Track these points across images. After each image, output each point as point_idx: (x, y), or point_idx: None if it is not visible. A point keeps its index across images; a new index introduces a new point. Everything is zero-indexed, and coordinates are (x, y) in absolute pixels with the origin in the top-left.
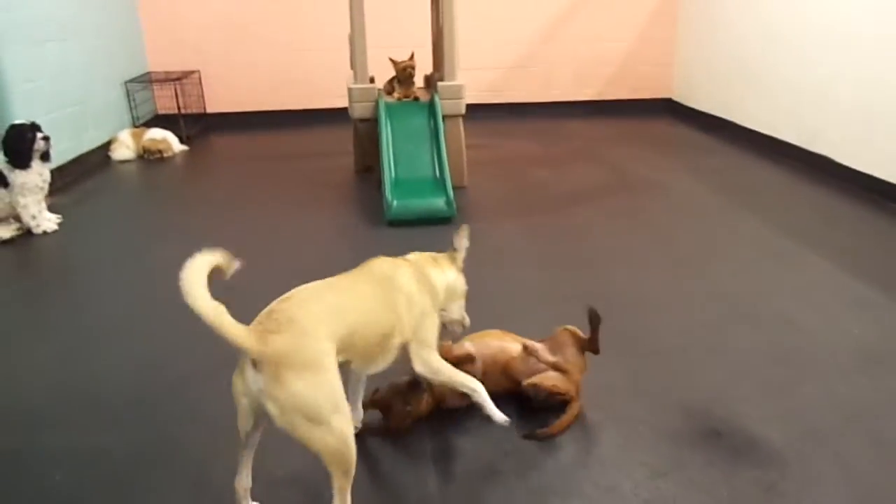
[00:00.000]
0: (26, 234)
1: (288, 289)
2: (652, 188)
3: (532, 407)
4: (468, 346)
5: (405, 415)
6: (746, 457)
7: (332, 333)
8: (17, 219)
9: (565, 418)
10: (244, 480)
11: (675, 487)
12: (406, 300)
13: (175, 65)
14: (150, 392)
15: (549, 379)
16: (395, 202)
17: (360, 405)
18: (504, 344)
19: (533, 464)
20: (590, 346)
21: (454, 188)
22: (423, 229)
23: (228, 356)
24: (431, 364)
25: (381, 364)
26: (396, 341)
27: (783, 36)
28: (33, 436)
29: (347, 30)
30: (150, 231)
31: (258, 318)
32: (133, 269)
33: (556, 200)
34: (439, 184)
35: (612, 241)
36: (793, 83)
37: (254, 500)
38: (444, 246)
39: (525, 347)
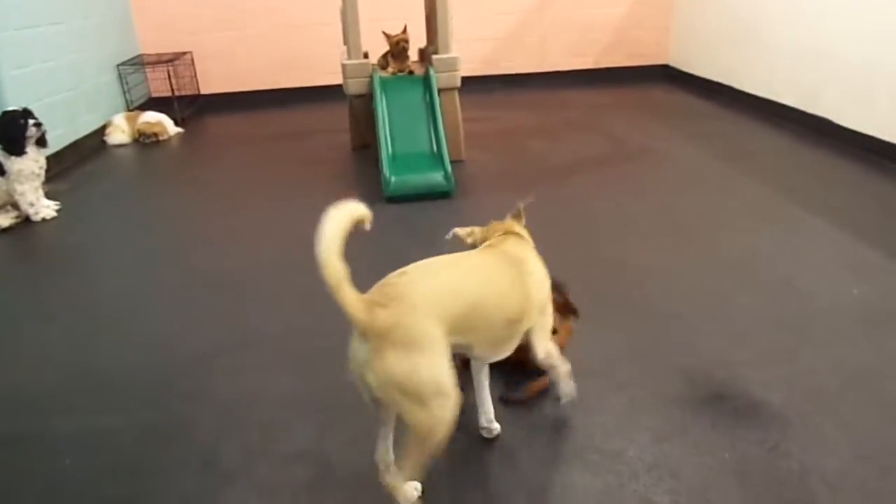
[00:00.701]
0: (25, 221)
1: (288, 268)
2: (650, 155)
3: (523, 371)
4: None
5: None
6: (749, 419)
7: (444, 313)
8: (16, 206)
9: (539, 383)
10: (383, 455)
11: (678, 451)
12: (536, 283)
13: (167, 46)
14: (157, 373)
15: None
16: (393, 178)
17: (489, 403)
18: None
19: (537, 432)
20: (566, 309)
21: (452, 162)
22: (422, 204)
23: (234, 336)
24: (552, 352)
25: (507, 351)
26: (524, 327)
27: None
28: (41, 420)
29: (339, 4)
30: (150, 214)
31: (372, 289)
32: (135, 251)
33: (555, 171)
34: (437, 158)
35: (612, 209)
36: (791, 46)
37: (259, 477)
38: (444, 221)
39: None
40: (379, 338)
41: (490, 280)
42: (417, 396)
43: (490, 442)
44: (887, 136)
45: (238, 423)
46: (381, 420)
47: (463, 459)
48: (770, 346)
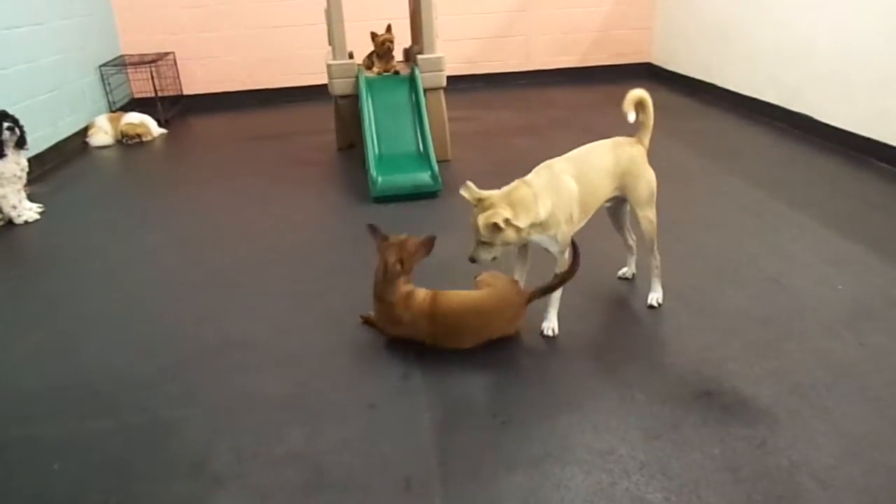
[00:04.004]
0: (7, 224)
1: (275, 268)
2: None
3: None
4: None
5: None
6: (737, 415)
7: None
8: None
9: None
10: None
11: (669, 448)
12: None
13: (149, 47)
14: (144, 377)
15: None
16: (380, 178)
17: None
18: None
19: (529, 432)
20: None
21: (438, 162)
22: (410, 204)
23: (222, 338)
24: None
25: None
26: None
27: None
28: (28, 427)
29: (323, 4)
30: (133, 216)
31: None
32: (119, 254)
33: None
34: (423, 158)
35: None
36: (771, 44)
37: (250, 480)
38: (432, 220)
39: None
40: None
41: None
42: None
43: (484, 443)
44: (866, 131)
45: (228, 425)
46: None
47: (455, 461)
48: (757, 342)
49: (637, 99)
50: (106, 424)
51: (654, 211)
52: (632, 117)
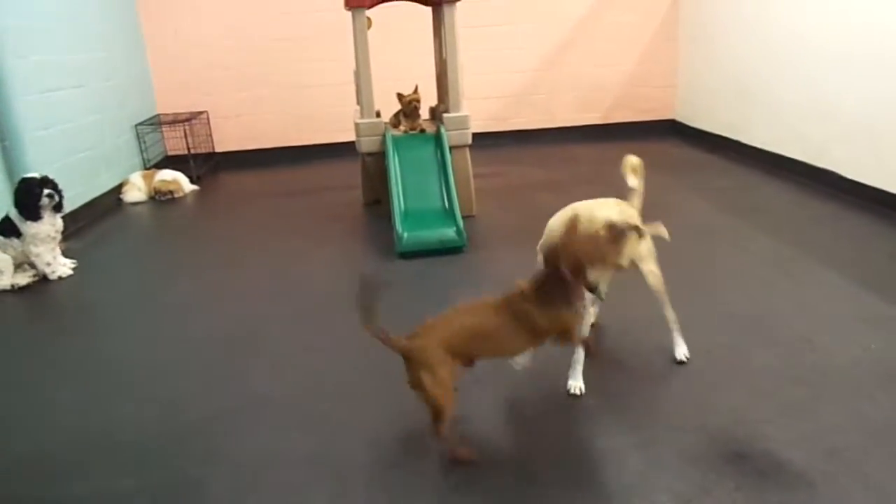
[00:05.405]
0: (42, 279)
1: (302, 325)
2: (659, 209)
3: None
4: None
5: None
6: (772, 479)
7: None
8: (33, 265)
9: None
10: None
11: None
12: None
13: (183, 106)
14: (171, 434)
15: None
16: (405, 234)
17: None
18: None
19: (553, 496)
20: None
21: (463, 217)
22: (435, 259)
23: (247, 396)
24: None
25: None
26: None
27: (783, 55)
28: (55, 483)
29: (352, 65)
30: (165, 271)
31: None
32: (149, 309)
33: None
34: (449, 214)
35: None
36: (795, 101)
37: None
38: (457, 275)
39: None
40: None
41: None
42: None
43: (503, 502)
44: (893, 187)
45: (252, 484)
46: None
47: None
48: (789, 403)
49: (632, 165)
50: (131, 483)
51: (656, 265)
52: (631, 182)
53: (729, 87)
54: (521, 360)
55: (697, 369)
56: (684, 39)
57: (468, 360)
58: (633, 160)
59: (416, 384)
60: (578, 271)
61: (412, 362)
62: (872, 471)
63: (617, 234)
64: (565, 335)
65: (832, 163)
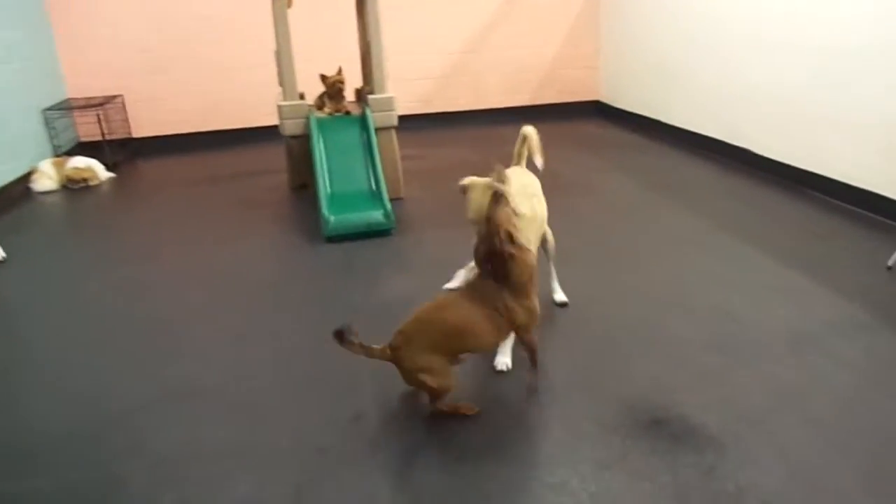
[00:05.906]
0: None
1: (225, 313)
2: (583, 188)
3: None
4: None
5: None
6: (686, 443)
7: None
8: None
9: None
10: None
11: (620, 478)
12: None
13: (97, 90)
14: (87, 430)
15: None
16: (332, 218)
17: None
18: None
19: (483, 469)
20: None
21: (391, 200)
22: (363, 243)
23: (168, 387)
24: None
25: None
26: None
27: (699, 38)
28: None
29: (273, 46)
30: (80, 263)
31: None
32: (63, 303)
33: None
34: (376, 196)
35: None
36: (711, 82)
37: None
38: (386, 258)
39: None
40: None
41: None
42: None
43: (438, 478)
44: (802, 164)
45: (174, 477)
46: None
47: (409, 500)
48: (704, 371)
49: (524, 134)
50: (46, 483)
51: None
52: (518, 149)
53: (650, 68)
54: (504, 360)
55: (615, 341)
56: (606, 22)
57: (454, 357)
58: (525, 129)
59: (416, 384)
60: (510, 238)
61: (404, 368)
62: (778, 431)
63: (498, 196)
64: (524, 329)
65: (746, 140)
